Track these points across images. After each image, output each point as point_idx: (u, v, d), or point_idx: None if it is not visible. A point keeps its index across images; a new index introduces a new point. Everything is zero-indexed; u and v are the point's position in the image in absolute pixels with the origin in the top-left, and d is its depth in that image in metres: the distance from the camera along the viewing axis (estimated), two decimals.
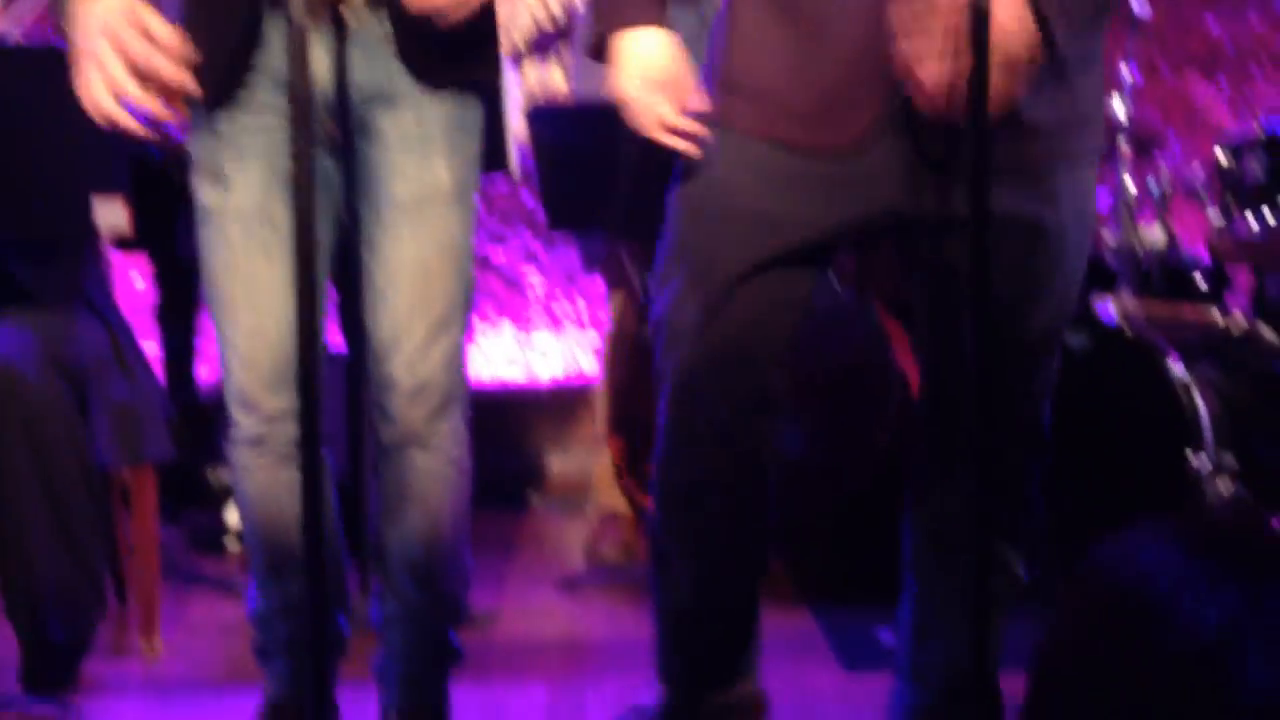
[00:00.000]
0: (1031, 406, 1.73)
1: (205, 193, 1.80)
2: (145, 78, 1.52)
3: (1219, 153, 2.73)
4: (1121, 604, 0.58)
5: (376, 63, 1.76)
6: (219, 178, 1.78)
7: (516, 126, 3.00)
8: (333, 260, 1.90)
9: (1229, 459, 2.38)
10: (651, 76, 1.63)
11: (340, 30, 1.73)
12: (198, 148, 1.80)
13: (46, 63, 2.10)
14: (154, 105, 1.53)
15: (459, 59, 1.78)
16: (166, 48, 1.52)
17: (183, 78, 1.53)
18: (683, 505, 1.76)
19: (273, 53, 1.74)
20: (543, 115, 2.86)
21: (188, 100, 1.76)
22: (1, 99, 2.19)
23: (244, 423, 1.84)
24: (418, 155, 1.79)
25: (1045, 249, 1.63)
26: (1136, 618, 0.57)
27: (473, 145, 1.85)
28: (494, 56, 1.90)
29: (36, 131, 2.19)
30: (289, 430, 1.81)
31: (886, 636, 2.45)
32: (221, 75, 1.74)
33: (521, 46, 4.21)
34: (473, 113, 1.84)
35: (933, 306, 1.72)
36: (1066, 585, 0.60)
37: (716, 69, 1.68)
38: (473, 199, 1.87)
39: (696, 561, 1.78)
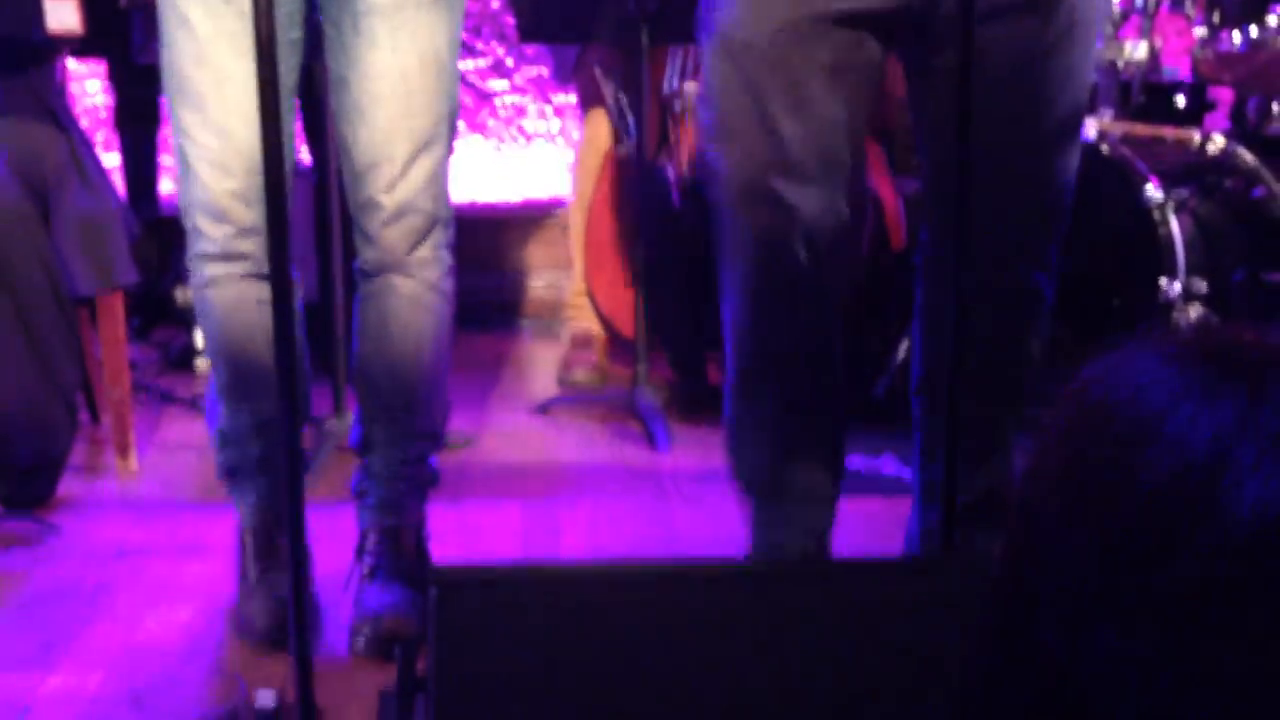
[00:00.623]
0: (1059, 182, 1.69)
1: None
2: None
3: None
4: (1109, 423, 0.58)
5: None
6: None
7: None
8: (300, 66, 1.80)
9: (1199, 283, 2.39)
10: None
11: None
12: None
13: None
14: None
15: None
16: None
17: None
18: (770, 366, 1.72)
19: None
20: None
21: None
22: None
23: (212, 234, 1.76)
24: None
25: (1057, 25, 1.59)
26: (1125, 437, 0.56)
27: None
28: None
29: None
30: (259, 238, 1.73)
31: (882, 465, 2.48)
32: None
33: None
34: None
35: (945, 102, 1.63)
36: (1052, 406, 0.60)
37: None
38: (459, 4, 1.77)
39: (781, 424, 1.74)
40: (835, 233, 1.66)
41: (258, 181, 1.70)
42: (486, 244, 3.88)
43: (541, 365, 3.40)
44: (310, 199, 3.03)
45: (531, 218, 3.96)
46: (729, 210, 1.66)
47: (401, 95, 1.73)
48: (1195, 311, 2.38)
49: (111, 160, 3.25)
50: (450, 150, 1.82)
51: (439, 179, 1.81)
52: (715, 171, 1.67)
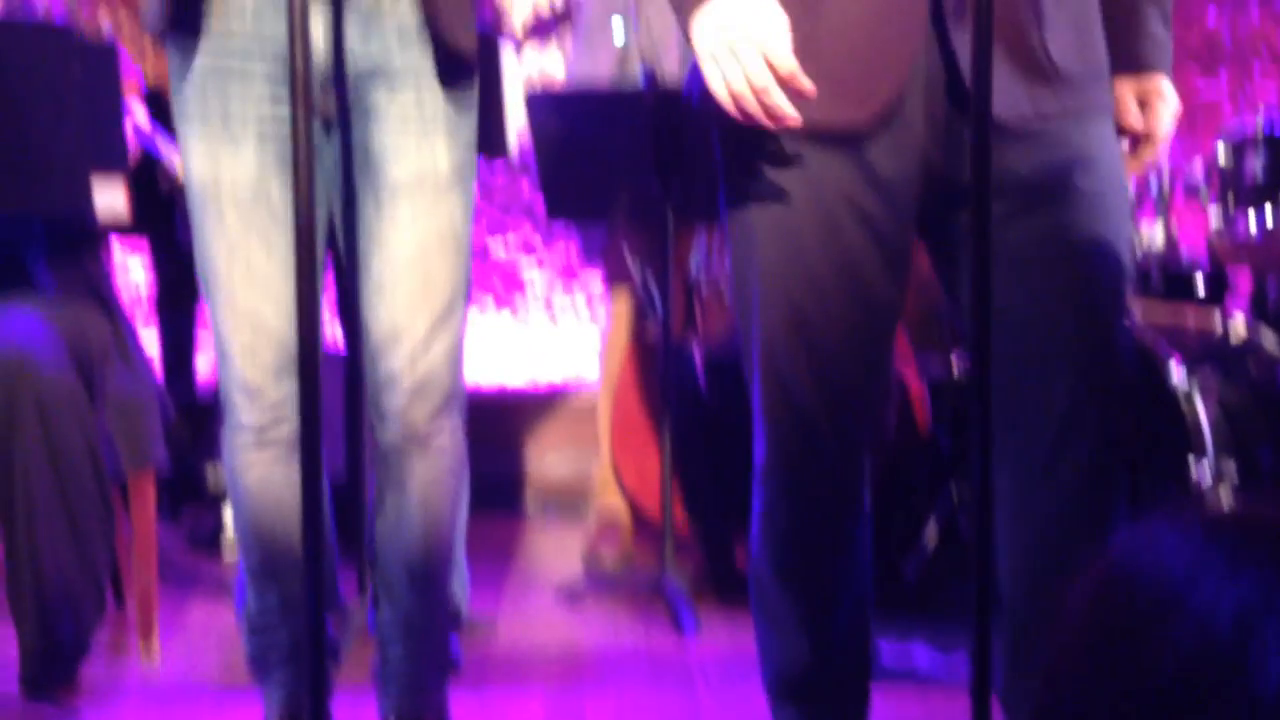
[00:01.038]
0: (1114, 362, 1.60)
1: (197, 174, 1.76)
2: None
3: (1219, 150, 2.72)
4: (1133, 596, 0.57)
5: (374, 36, 1.73)
6: (212, 158, 1.74)
7: (516, 113, 2.99)
8: (326, 244, 1.86)
9: (1230, 467, 2.38)
10: (739, 31, 1.41)
11: (338, 1, 1.67)
12: (188, 127, 1.76)
13: (35, 39, 2.09)
14: None
15: (462, 35, 1.75)
16: None
17: None
18: (796, 550, 1.67)
19: (265, 21, 1.71)
20: (541, 102, 2.84)
21: (173, 66, 1.74)
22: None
23: (246, 410, 1.79)
24: (416, 136, 1.75)
25: (1087, 202, 1.56)
26: (1149, 610, 0.56)
27: (470, 129, 1.82)
28: (487, 39, 1.86)
29: (35, 107, 2.16)
30: (291, 421, 1.78)
31: (914, 653, 2.44)
32: (214, 46, 1.71)
33: (521, 32, 4.20)
34: (470, 96, 1.81)
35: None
36: (1077, 581, 0.60)
37: None
38: (472, 184, 1.83)
39: (810, 608, 1.69)
40: (864, 417, 1.66)
41: (290, 361, 1.75)
42: (513, 425, 3.90)
43: (567, 548, 3.38)
44: (341, 380, 3.08)
45: (558, 398, 3.99)
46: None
47: (421, 271, 1.77)
48: (1226, 494, 2.36)
49: (149, 338, 3.31)
50: (463, 324, 1.86)
51: (457, 353, 1.84)
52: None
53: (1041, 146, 1.54)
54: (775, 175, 1.56)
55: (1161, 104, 1.67)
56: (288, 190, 1.73)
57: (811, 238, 1.56)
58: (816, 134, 1.50)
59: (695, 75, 1.59)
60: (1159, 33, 1.68)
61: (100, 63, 2.20)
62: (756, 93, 1.40)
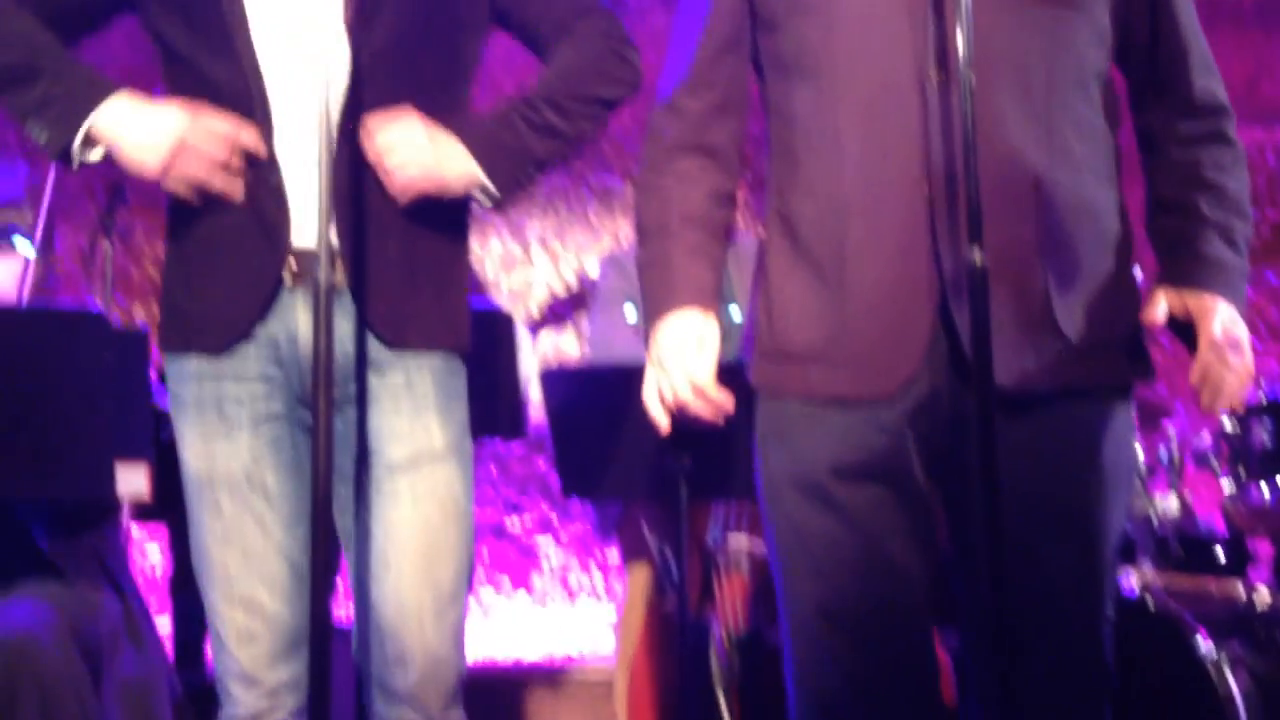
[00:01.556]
0: (1095, 638, 1.62)
1: (193, 465, 1.79)
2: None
3: (1225, 419, 2.75)
4: None
5: (360, 327, 1.78)
6: (207, 449, 1.77)
7: (531, 392, 3.05)
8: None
9: None
10: (673, 352, 1.64)
11: (326, 295, 1.76)
12: (183, 419, 1.80)
13: (70, 326, 2.16)
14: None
15: (429, 323, 1.81)
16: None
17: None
18: None
19: (262, 318, 1.76)
20: (556, 379, 2.89)
21: (171, 370, 1.80)
22: (27, 361, 2.23)
23: (244, 699, 1.77)
24: (409, 416, 1.78)
25: (1096, 472, 1.58)
26: None
27: (462, 403, 1.85)
28: (465, 315, 1.89)
29: (62, 394, 2.21)
30: (290, 702, 1.76)
31: None
32: (215, 341, 1.77)
33: (537, 314, 4.33)
34: (459, 370, 1.85)
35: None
36: None
37: (759, 338, 1.69)
38: (469, 455, 1.85)
39: None
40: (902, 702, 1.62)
41: (286, 643, 1.74)
42: (529, 700, 3.81)
43: None
44: (349, 658, 3.03)
45: (574, 673, 3.91)
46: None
47: (425, 547, 1.77)
48: None
49: (162, 623, 3.29)
50: (468, 600, 1.84)
51: (461, 629, 1.82)
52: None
53: (1042, 418, 1.56)
54: (804, 440, 1.61)
55: (1209, 324, 1.57)
56: (282, 476, 1.77)
57: (828, 504, 1.59)
58: (845, 402, 1.58)
59: (745, 348, 1.69)
60: (1211, 252, 1.61)
61: (130, 350, 2.28)
62: (677, 402, 1.63)
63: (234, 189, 1.73)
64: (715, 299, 1.70)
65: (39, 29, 1.80)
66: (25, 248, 2.92)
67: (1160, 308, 1.60)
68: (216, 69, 1.75)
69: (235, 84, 1.74)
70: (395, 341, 1.78)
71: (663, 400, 1.66)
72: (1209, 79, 1.67)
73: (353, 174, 1.75)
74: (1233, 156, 1.66)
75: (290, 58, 1.75)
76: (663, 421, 1.67)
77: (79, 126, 1.73)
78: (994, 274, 1.45)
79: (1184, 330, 1.61)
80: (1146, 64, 1.67)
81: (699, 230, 1.70)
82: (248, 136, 1.72)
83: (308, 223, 1.73)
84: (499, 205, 1.87)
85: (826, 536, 1.60)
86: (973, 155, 1.42)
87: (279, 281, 1.75)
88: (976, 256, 1.41)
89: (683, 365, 1.64)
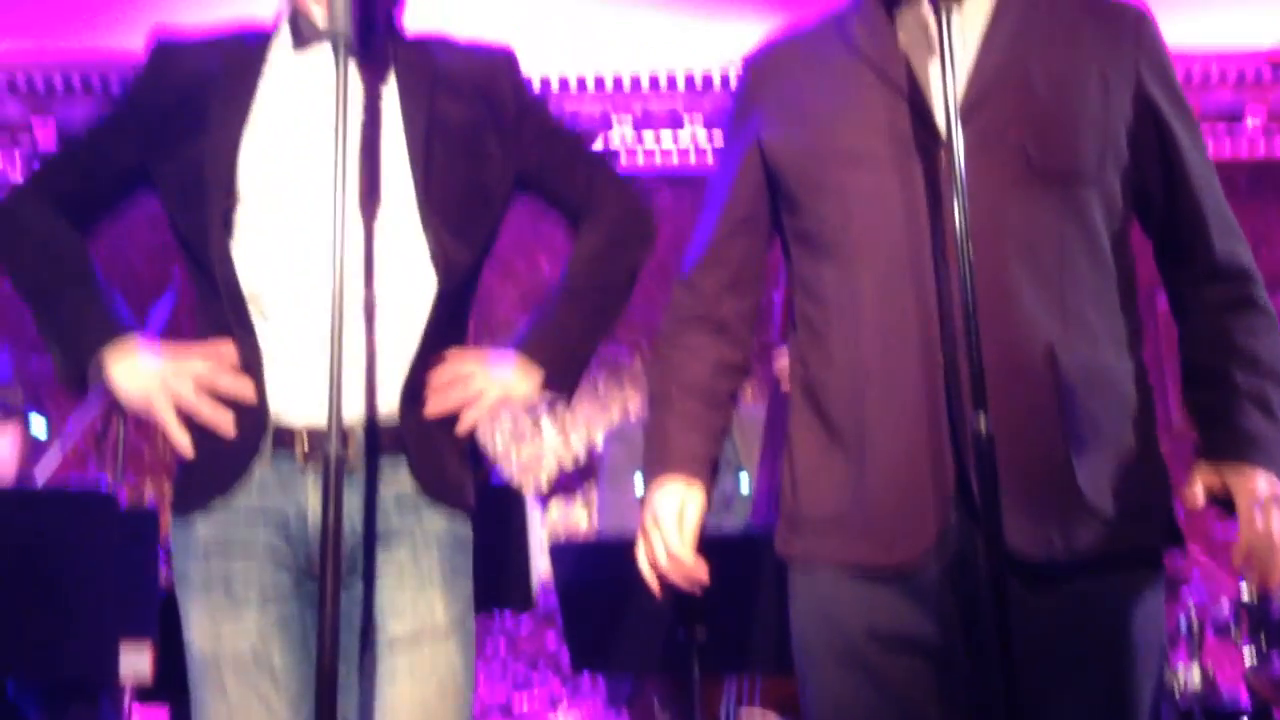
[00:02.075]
0: None
1: (198, 643, 1.76)
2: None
3: (1243, 588, 2.72)
4: None
5: (372, 505, 1.78)
6: (214, 628, 1.75)
7: (540, 565, 3.03)
8: None
9: None
10: (658, 521, 1.70)
11: (337, 469, 1.78)
12: (190, 596, 1.78)
13: (79, 507, 2.17)
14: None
15: (457, 487, 1.83)
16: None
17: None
18: None
19: (269, 495, 1.76)
20: (566, 552, 2.87)
21: (178, 543, 1.79)
22: (34, 542, 2.24)
23: None
24: (413, 591, 1.77)
25: (1126, 646, 1.55)
26: None
27: (467, 578, 1.84)
28: (510, 493, 1.93)
29: (69, 576, 2.21)
30: None
31: None
32: (218, 519, 1.76)
33: (545, 487, 4.32)
34: (466, 542, 1.84)
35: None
36: None
37: (785, 508, 1.70)
38: (471, 632, 1.83)
39: None
40: None
41: None
42: None
43: None
44: None
45: None
46: None
47: None
48: None
49: None
50: None
51: None
52: None
53: (1069, 588, 1.54)
54: (838, 609, 1.61)
55: (1248, 500, 1.54)
56: (288, 655, 1.75)
57: (866, 672, 1.58)
58: (872, 574, 1.58)
59: (761, 513, 1.70)
60: (1247, 424, 1.58)
61: (139, 530, 2.28)
62: (657, 566, 1.70)
63: (220, 420, 1.77)
64: (705, 467, 1.74)
65: (62, 230, 1.88)
66: (40, 428, 2.94)
67: (1197, 488, 1.58)
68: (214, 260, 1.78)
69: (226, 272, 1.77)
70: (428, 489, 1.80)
71: (653, 566, 1.71)
72: (1232, 242, 1.65)
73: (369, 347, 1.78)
74: (1266, 322, 1.64)
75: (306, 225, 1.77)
76: (654, 586, 1.71)
77: (83, 367, 1.80)
78: (1012, 442, 1.46)
79: (1226, 504, 1.58)
80: (1167, 228, 1.68)
81: (697, 400, 1.75)
82: (226, 380, 1.76)
83: (312, 396, 1.75)
84: (567, 400, 1.94)
85: (866, 706, 1.59)
86: (973, 322, 1.45)
87: (265, 428, 1.76)
88: (982, 424, 1.42)
89: (661, 533, 1.69)
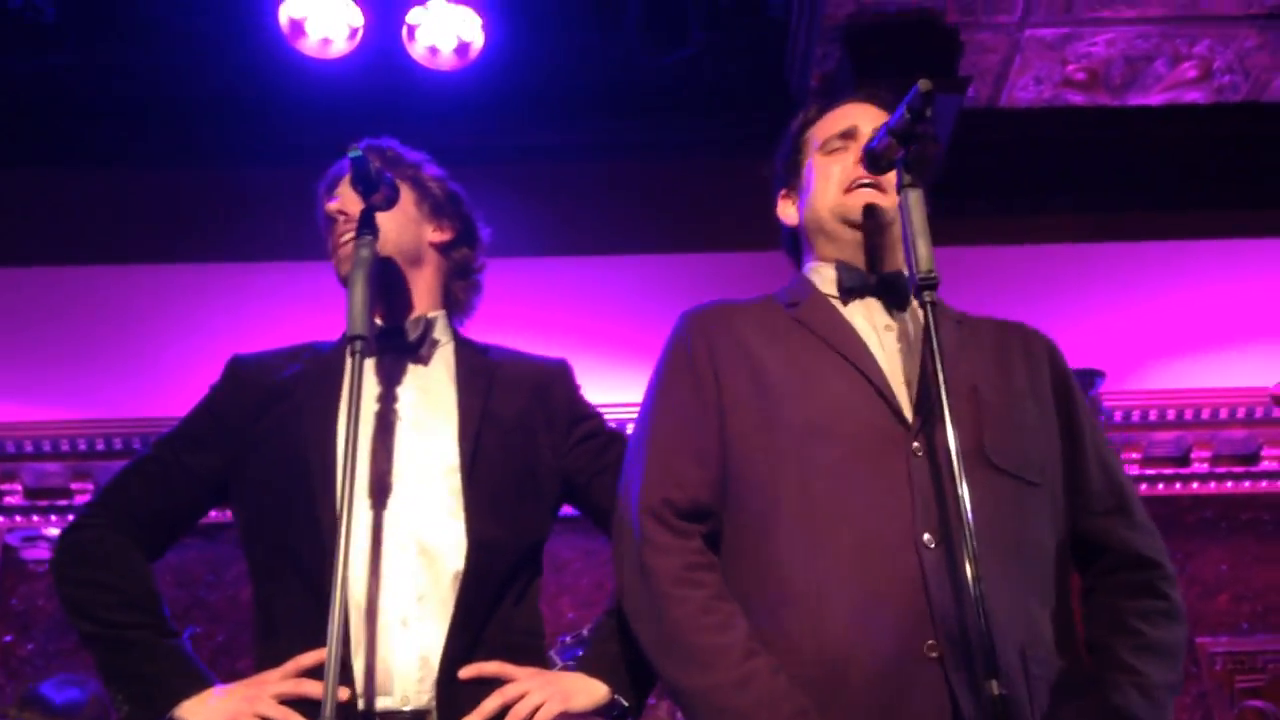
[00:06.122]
0: None
1: None
2: None
3: None
4: None
5: None
6: None
7: None
8: None
9: None
10: None
11: None
12: None
13: None
14: None
15: None
16: None
17: None
18: None
19: None
20: None
21: None
22: None
23: None
24: None
25: None
26: None
27: None
28: None
29: None
30: None
31: None
32: None
33: None
34: None
35: None
36: None
37: None
38: None
39: None
40: None
41: None
42: None
43: None
44: None
45: None
46: None
47: None
48: None
49: None
50: None
51: None
52: None
53: None
54: None
55: None
56: None
57: None
58: None
59: None
60: (1120, 701, 1.60)
61: None
62: None
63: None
64: None
65: (135, 568, 1.84)
66: None
67: None
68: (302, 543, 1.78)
69: (318, 562, 1.73)
70: None
71: None
72: (1151, 538, 1.77)
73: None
74: (1165, 608, 1.70)
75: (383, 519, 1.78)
76: None
77: (163, 715, 1.73)
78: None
79: None
80: (1092, 526, 1.77)
81: None
82: (309, 688, 1.71)
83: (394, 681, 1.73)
84: (635, 714, 1.84)
85: None
86: (983, 607, 1.47)
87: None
88: (994, 688, 1.43)
89: None
